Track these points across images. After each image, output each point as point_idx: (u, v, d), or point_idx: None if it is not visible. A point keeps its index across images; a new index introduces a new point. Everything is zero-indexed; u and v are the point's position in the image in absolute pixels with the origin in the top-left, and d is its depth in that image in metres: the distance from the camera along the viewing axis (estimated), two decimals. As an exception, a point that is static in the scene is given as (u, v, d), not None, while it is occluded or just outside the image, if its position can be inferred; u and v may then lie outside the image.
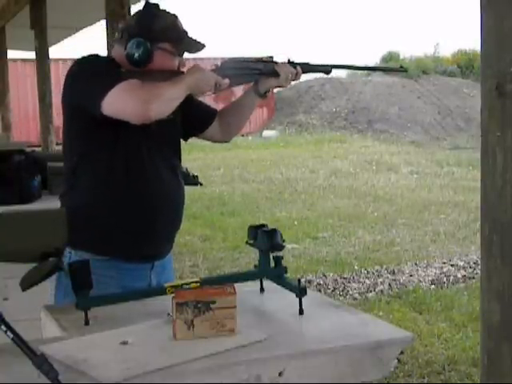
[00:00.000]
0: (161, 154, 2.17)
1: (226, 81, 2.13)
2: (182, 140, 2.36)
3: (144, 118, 1.99)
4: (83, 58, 2.15)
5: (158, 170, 2.14)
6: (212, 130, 2.38)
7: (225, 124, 2.38)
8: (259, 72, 2.22)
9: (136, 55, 2.09)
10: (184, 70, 2.18)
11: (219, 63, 2.19)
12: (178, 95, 2.03)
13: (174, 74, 2.12)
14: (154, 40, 2.09)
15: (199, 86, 2.10)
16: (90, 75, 2.06)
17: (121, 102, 1.98)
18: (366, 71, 22.26)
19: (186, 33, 2.16)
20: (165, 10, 2.15)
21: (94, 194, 2.11)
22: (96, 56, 2.18)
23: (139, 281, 2.14)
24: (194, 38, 2.16)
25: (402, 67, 2.47)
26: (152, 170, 2.13)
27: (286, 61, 2.23)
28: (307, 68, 2.27)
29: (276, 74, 2.20)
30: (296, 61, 2.24)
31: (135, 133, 2.06)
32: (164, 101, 2.00)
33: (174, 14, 2.17)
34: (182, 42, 2.15)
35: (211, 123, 2.37)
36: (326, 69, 2.29)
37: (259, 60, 2.23)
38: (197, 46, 2.17)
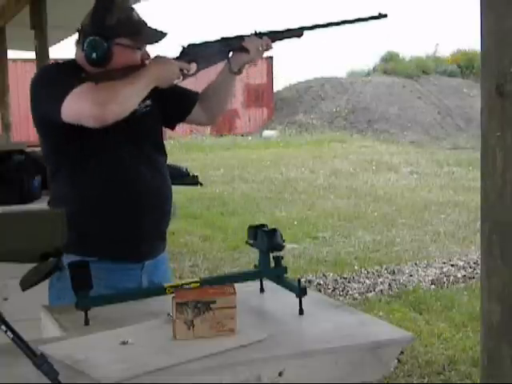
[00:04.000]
0: (139, 150, 2.14)
1: (193, 65, 2.10)
2: (173, 129, 2.36)
3: (101, 120, 1.94)
4: (42, 67, 2.12)
5: (138, 167, 2.11)
6: (196, 114, 2.35)
7: (207, 107, 2.34)
8: (228, 50, 2.17)
9: (94, 55, 2.05)
10: (147, 62, 2.13)
11: (181, 48, 2.13)
12: (137, 92, 2.00)
13: (137, 69, 2.07)
14: (110, 36, 2.04)
15: (164, 77, 2.06)
16: (48, 84, 2.03)
17: (77, 106, 1.95)
18: (365, 73, 22.27)
19: (144, 24, 2.11)
20: (118, 4, 2.09)
21: (74, 196, 2.08)
22: (56, 64, 2.14)
23: (129, 281, 2.11)
24: (153, 27, 2.10)
25: (380, 14, 2.20)
26: (131, 168, 2.10)
27: (253, 33, 2.16)
28: (276, 36, 2.19)
29: (245, 50, 2.15)
30: (264, 31, 2.17)
31: (110, 132, 2.02)
32: (121, 101, 1.96)
33: (129, 6, 2.11)
34: (140, 34, 2.09)
35: (193, 107, 2.33)
36: (297, 33, 2.19)
37: (225, 38, 2.17)
38: (157, 36, 2.12)
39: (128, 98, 1.98)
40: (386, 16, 2.18)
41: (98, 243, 2.08)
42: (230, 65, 2.21)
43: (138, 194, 2.11)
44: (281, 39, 2.21)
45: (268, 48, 2.18)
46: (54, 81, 2.04)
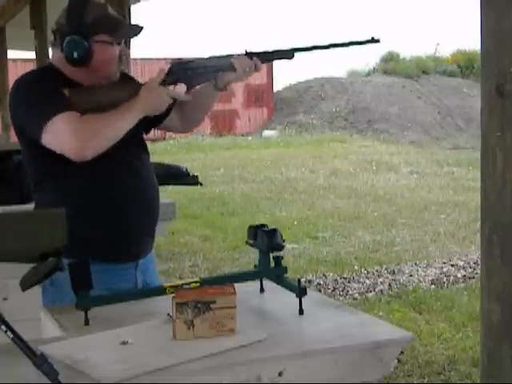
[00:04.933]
0: (125, 150, 2.12)
1: (182, 87, 2.07)
2: (147, 133, 2.32)
3: (81, 157, 1.95)
4: (22, 77, 2.10)
5: (123, 168, 2.11)
6: (171, 122, 2.33)
7: (185, 117, 2.33)
8: (215, 69, 2.14)
9: (75, 55, 2.04)
10: (125, 57, 2.13)
11: (169, 66, 2.11)
12: (125, 125, 1.99)
13: (123, 87, 2.07)
14: (89, 34, 2.04)
15: (154, 108, 2.05)
16: (28, 99, 2.02)
17: (58, 138, 1.95)
18: (365, 72, 22.26)
19: (121, 19, 2.11)
20: (92, 1, 2.08)
21: (61, 202, 2.01)
22: (33, 74, 2.11)
23: (125, 281, 2.11)
24: (128, 22, 2.11)
25: (373, 38, 2.16)
26: (116, 169, 2.09)
27: (244, 53, 2.13)
28: (266, 57, 2.15)
29: (233, 68, 2.12)
30: (254, 51, 2.13)
31: None
32: (105, 138, 1.96)
33: (104, 3, 2.11)
34: (118, 29, 2.09)
35: (168, 114, 2.29)
36: (288, 54, 2.15)
37: (213, 56, 2.15)
38: (134, 30, 2.12)
39: (113, 135, 1.98)
40: (378, 41, 2.16)
41: (89, 245, 2.06)
42: (215, 82, 2.18)
43: (124, 194, 2.10)
44: (271, 60, 2.19)
45: (257, 69, 2.14)
46: (34, 96, 2.01)
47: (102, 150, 1.98)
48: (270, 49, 2.15)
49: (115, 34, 2.08)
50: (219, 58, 2.14)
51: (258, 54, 2.13)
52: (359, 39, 2.17)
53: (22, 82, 2.09)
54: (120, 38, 2.11)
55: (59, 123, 1.94)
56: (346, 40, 2.18)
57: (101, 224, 2.09)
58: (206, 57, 2.16)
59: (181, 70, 2.11)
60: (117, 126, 1.99)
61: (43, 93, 2.01)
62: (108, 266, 2.09)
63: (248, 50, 2.13)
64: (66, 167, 2.04)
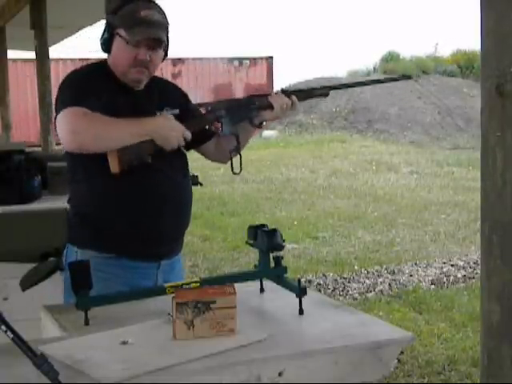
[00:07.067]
0: (161, 152, 2.11)
1: (189, 133, 2.06)
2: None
3: (69, 148, 2.03)
4: (70, 73, 2.16)
5: (161, 169, 2.12)
6: (207, 149, 2.35)
7: (220, 149, 2.32)
8: (253, 107, 2.18)
9: (100, 41, 2.14)
10: (145, 56, 2.10)
11: (210, 107, 2.16)
12: (123, 136, 1.99)
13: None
14: (115, 26, 2.10)
15: (163, 137, 2.02)
16: (62, 89, 2.10)
17: (59, 127, 2.03)
18: (365, 73, 22.28)
19: (147, 22, 2.06)
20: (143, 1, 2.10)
21: (99, 194, 2.10)
22: (79, 71, 2.17)
23: (145, 279, 2.13)
24: (155, 30, 2.08)
25: (404, 75, 2.39)
26: (154, 169, 2.09)
27: (280, 91, 2.19)
28: (304, 95, 2.24)
29: (271, 107, 2.16)
30: (290, 89, 2.22)
31: None
32: (97, 138, 1.98)
33: (151, 3, 2.11)
34: (131, 27, 2.06)
35: (206, 142, 2.32)
36: (324, 91, 2.26)
37: (252, 96, 2.21)
38: (145, 36, 2.09)
39: (107, 138, 1.99)
40: (410, 77, 2.46)
41: (117, 241, 2.10)
42: (252, 119, 2.20)
43: (161, 196, 2.12)
44: (308, 98, 2.28)
45: (294, 108, 2.19)
46: (67, 91, 2.08)
47: (92, 149, 1.99)
48: (307, 87, 2.30)
49: (127, 31, 2.07)
50: (257, 96, 2.21)
51: (294, 92, 2.21)
52: (391, 76, 2.46)
53: (67, 78, 2.14)
54: (132, 38, 2.07)
55: (66, 113, 2.00)
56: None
57: (134, 223, 2.11)
58: (244, 96, 2.25)
59: (220, 110, 2.14)
60: (117, 130, 2.00)
61: (74, 89, 2.07)
62: (133, 264, 2.12)
63: (284, 89, 2.21)
64: (103, 164, 2.02)
